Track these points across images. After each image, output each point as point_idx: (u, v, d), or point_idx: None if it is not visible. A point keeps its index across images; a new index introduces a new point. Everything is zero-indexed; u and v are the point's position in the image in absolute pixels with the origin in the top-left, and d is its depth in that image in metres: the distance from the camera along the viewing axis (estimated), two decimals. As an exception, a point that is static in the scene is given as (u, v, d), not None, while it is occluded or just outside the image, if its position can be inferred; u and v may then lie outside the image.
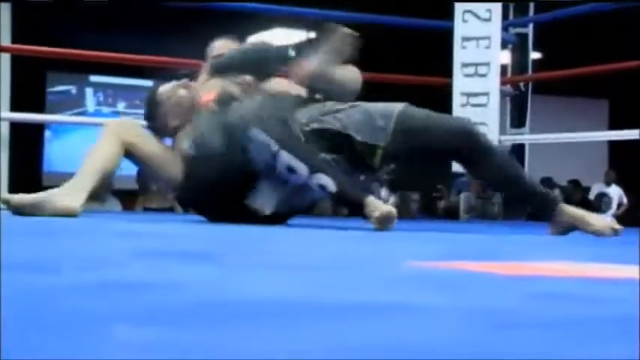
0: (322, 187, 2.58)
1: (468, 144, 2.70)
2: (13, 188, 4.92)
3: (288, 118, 2.69)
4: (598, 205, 7.86)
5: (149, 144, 2.89)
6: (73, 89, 11.72)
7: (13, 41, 4.91)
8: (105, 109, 11.82)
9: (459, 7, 5.31)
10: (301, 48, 3.01)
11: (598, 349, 0.60)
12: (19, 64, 5.11)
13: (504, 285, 1.05)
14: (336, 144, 2.73)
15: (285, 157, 2.58)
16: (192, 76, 3.17)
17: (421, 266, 1.27)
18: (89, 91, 11.83)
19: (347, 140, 2.74)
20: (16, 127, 5.21)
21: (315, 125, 2.75)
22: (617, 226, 2.67)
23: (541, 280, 1.15)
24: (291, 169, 2.59)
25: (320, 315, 0.73)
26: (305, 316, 0.72)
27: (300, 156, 2.59)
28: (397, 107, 2.78)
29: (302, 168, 2.57)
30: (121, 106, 11.81)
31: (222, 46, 3.29)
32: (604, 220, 2.77)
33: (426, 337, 0.63)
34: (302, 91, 2.93)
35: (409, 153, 2.78)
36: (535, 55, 6.61)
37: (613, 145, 12.20)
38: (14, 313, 0.67)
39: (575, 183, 9.66)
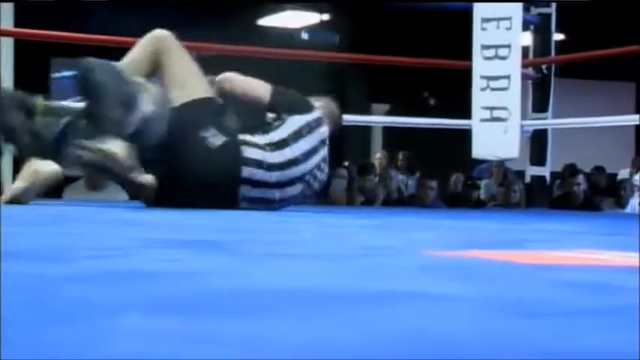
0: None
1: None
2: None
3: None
4: (618, 191, 7.63)
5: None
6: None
7: (16, 25, 4.77)
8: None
9: (478, -13, 5.12)
10: None
11: (621, 337, 0.60)
12: (22, 50, 4.97)
13: (524, 274, 1.06)
14: None
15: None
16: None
17: (441, 255, 1.28)
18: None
19: None
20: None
21: None
22: None
23: (562, 268, 1.15)
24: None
25: (341, 304, 0.73)
26: (325, 305, 0.72)
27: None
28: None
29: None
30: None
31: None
32: None
33: (446, 325, 0.63)
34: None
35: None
36: (558, 37, 6.44)
37: (640, 130, 11.94)
38: (20, 302, 0.67)
39: (599, 170, 9.43)
